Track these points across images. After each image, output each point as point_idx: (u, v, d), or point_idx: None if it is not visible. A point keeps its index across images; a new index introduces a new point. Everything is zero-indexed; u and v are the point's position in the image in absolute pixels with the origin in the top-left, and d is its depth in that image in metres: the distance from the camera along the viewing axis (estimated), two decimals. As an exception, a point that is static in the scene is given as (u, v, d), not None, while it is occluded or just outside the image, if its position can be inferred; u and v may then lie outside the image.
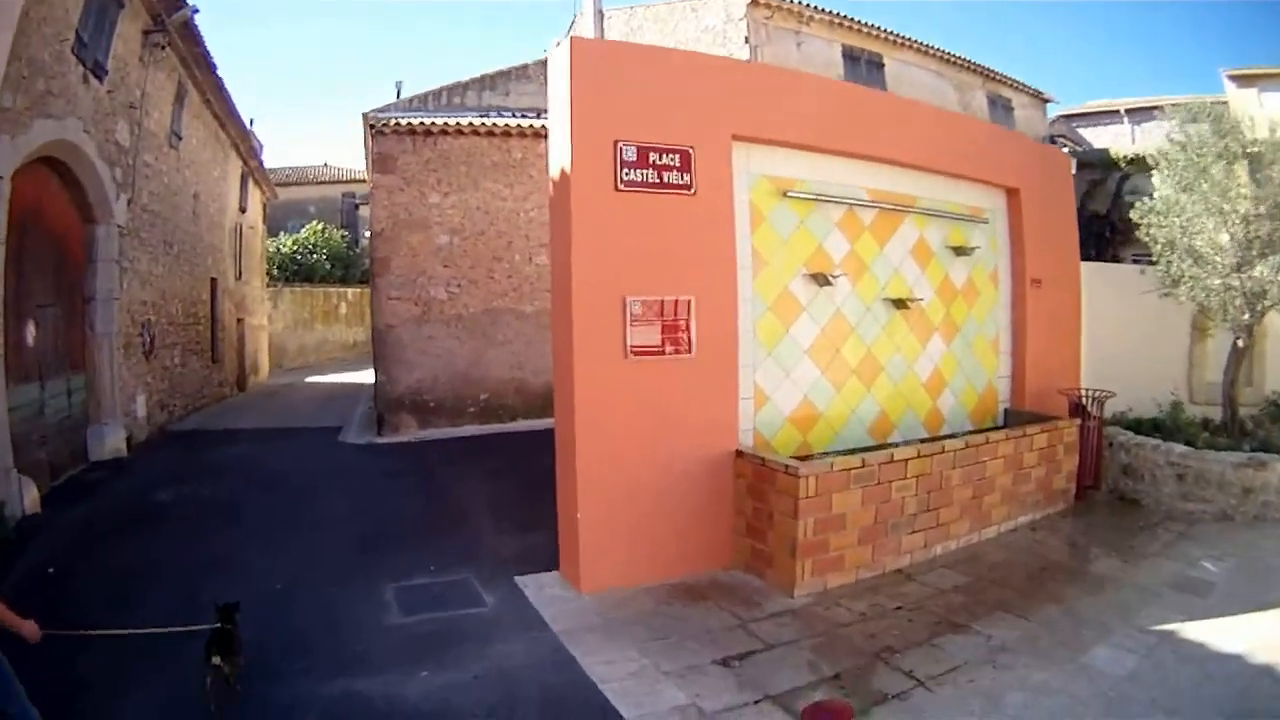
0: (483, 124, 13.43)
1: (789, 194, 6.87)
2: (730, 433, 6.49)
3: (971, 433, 8.27)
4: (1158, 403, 9.61)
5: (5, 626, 3.42)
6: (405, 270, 12.92)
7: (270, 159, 25.16)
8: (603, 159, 5.93)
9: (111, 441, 11.73)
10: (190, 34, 13.80)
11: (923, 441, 7.32)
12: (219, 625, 4.22)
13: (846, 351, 7.30)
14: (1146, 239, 9.30)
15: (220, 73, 15.03)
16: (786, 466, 5.92)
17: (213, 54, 14.46)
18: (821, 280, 7.00)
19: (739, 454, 6.45)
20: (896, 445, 7.19)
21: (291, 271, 27.46)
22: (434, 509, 8.41)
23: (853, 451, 6.72)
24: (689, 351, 6.24)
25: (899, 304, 7.59)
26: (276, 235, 27.49)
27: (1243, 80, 16.37)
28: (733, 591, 5.98)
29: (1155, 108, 21.24)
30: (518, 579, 6.18)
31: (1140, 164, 13.73)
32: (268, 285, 24.73)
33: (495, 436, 12.58)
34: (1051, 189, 9.33)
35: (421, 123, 13.14)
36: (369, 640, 5.09)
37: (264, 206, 23.31)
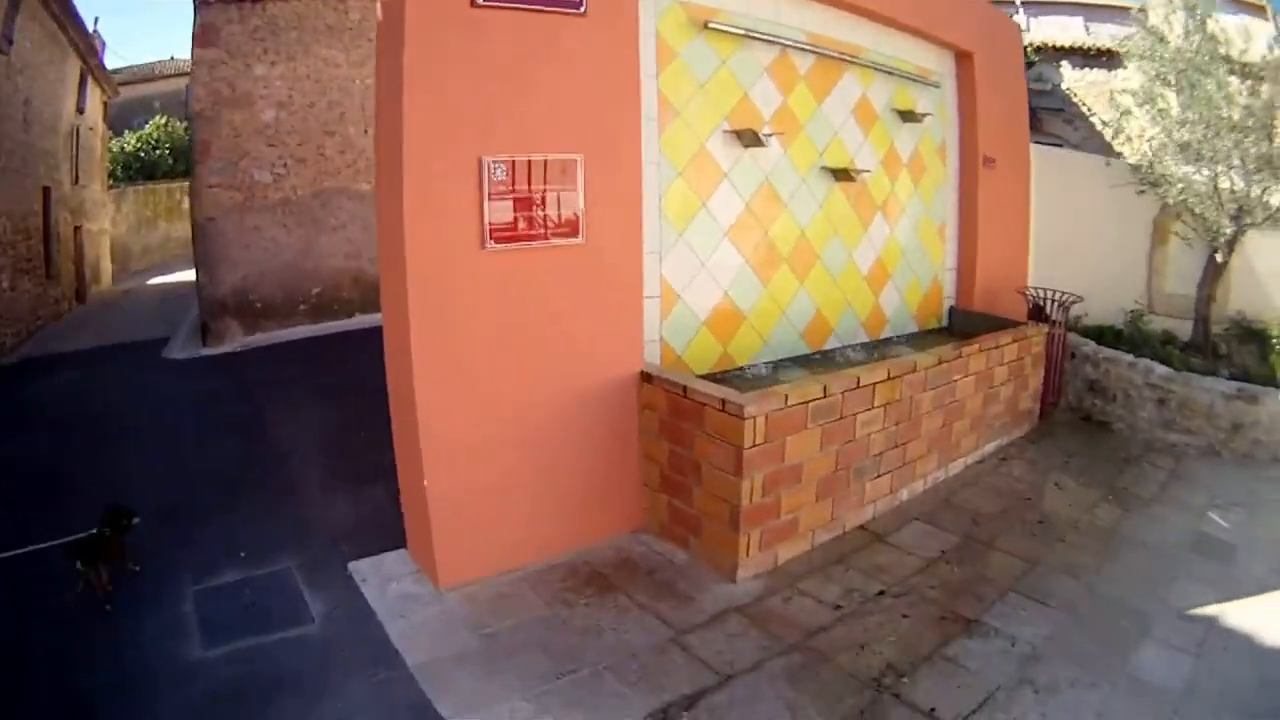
0: (316, -18, 10.97)
1: (709, 24, 4.97)
2: (633, 348, 4.76)
3: (923, 336, 6.77)
4: (1118, 310, 8.29)
5: None
6: (226, 154, 10.56)
7: (119, 58, 21.96)
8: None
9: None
10: None
11: (874, 350, 5.76)
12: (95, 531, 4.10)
13: (776, 233, 5.57)
14: (1108, 127, 7.89)
15: None
16: (724, 402, 4.19)
17: None
18: (748, 139, 5.19)
19: (646, 377, 4.72)
20: (856, 365, 5.60)
21: (135, 170, 24.39)
22: (250, 454, 6.37)
23: (781, 367, 5.08)
24: (576, 235, 4.42)
25: (839, 175, 5.86)
26: (121, 134, 24.29)
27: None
28: (651, 575, 4.34)
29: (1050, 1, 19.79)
30: (353, 566, 4.37)
31: (1046, 53, 12.39)
32: (110, 187, 21.71)
33: (330, 339, 10.60)
34: (1005, 58, 7.62)
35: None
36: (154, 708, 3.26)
37: (105, 105, 20.14)
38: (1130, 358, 7.15)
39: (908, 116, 6.43)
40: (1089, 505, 5.40)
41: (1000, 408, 6.29)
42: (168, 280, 20.02)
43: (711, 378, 4.93)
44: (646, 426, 4.74)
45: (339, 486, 5.51)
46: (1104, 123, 8.51)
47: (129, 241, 23.30)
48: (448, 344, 4.08)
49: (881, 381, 4.94)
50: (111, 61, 22.40)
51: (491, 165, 4.11)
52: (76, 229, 16.96)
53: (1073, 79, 12.16)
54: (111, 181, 22.16)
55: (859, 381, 4.80)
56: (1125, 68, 9.11)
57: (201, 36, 10.48)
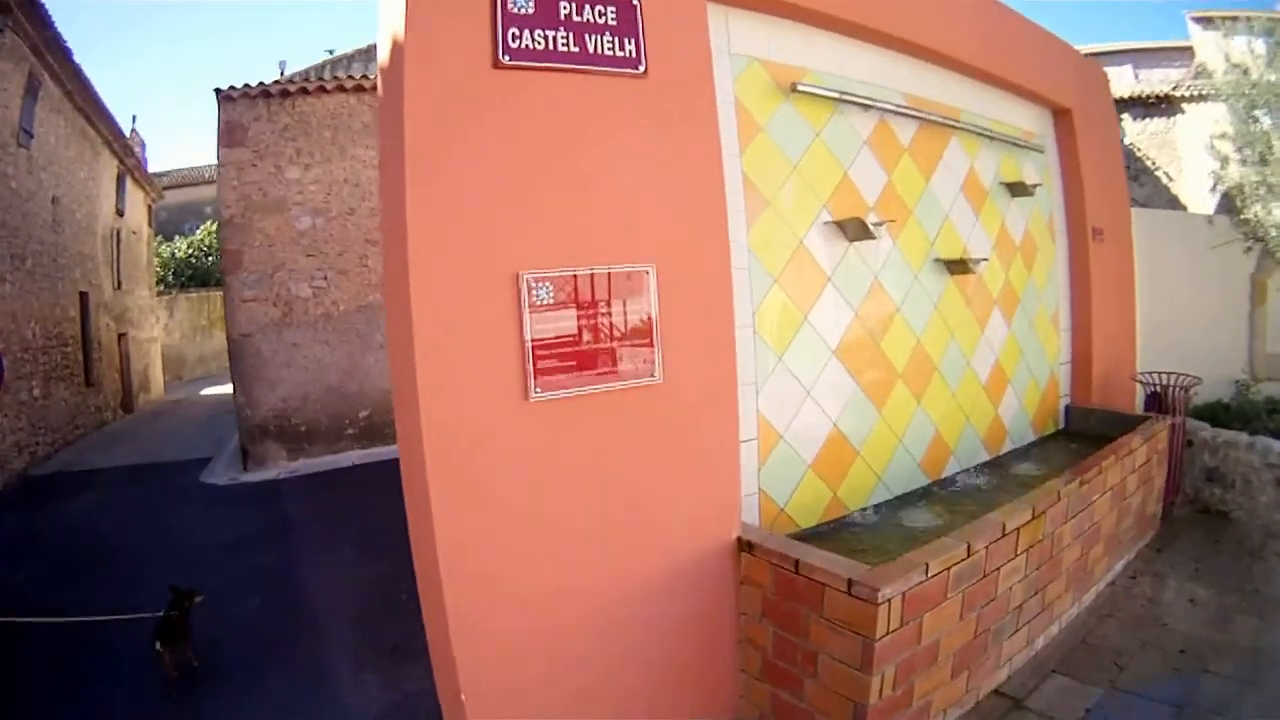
0: (349, 78, 9.90)
1: (798, 87, 3.72)
2: (726, 508, 3.35)
3: (1043, 444, 5.35)
4: (1224, 381, 6.93)
5: None
6: (260, 264, 9.39)
7: (164, 161, 21.21)
8: (468, 10, 2.74)
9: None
10: (37, 15, 10.06)
11: (995, 471, 4.37)
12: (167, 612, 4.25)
13: (890, 344, 4.21)
14: (1216, 178, 6.64)
15: (79, 60, 11.52)
16: (851, 582, 2.81)
17: (68, 39, 10.94)
18: (855, 230, 3.87)
19: (745, 546, 3.32)
20: (980, 494, 4.20)
21: (188, 277, 23.40)
22: (275, 616, 5.03)
23: (901, 505, 3.71)
24: (650, 373, 3.09)
25: (954, 267, 4.53)
26: (171, 239, 23.36)
27: (1206, 22, 13.78)
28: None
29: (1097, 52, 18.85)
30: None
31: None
32: (160, 293, 20.65)
33: (380, 466, 8.99)
34: (1101, 112, 6.39)
35: (276, 82, 9.62)
36: None
37: (149, 209, 19.14)
38: (1247, 438, 5.86)
39: (1017, 189, 5.15)
40: (1226, 619, 4.27)
41: (1130, 519, 4.85)
42: (222, 391, 18.71)
43: (820, 533, 3.59)
44: (747, 605, 3.32)
45: (373, 662, 4.24)
46: (1168, 176, 7.29)
47: (183, 350, 22.28)
48: (482, 524, 2.75)
49: (1025, 524, 3.55)
50: (157, 165, 21.75)
51: (533, 284, 2.81)
52: (121, 336, 15.93)
53: (1134, 132, 10.97)
54: (162, 288, 21.28)
55: (1004, 529, 3.40)
56: (1184, 112, 7.98)
57: (226, 135, 9.46)
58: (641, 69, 3.08)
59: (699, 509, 3.28)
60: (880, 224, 3.93)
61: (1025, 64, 5.27)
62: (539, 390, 2.85)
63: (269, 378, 9.43)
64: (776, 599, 3.18)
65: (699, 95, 3.28)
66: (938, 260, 4.46)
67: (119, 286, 16.01)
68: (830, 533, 3.86)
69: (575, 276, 2.91)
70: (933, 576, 2.99)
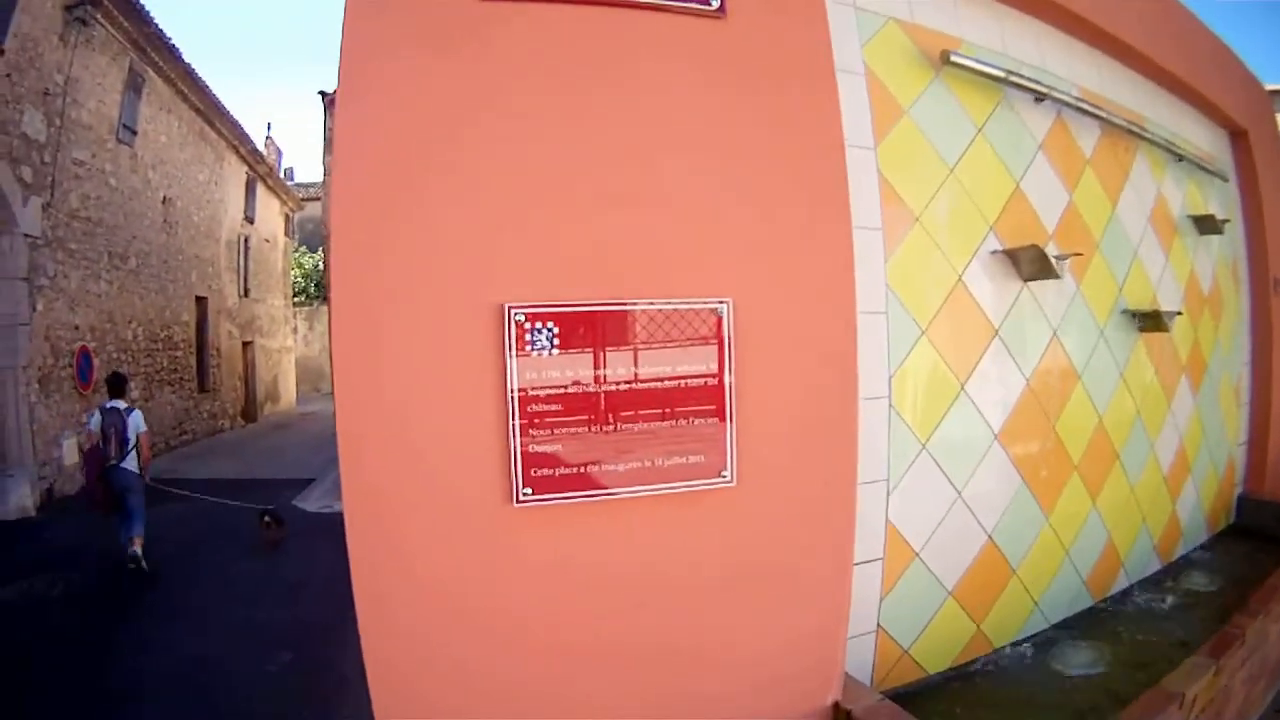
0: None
1: (952, 59, 2.28)
2: (824, 661, 1.87)
3: (1215, 546, 3.66)
4: None
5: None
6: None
7: (314, 172, 20.72)
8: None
9: (15, 498, 7.55)
10: (133, 10, 9.51)
11: (1168, 584, 2.77)
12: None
13: (1067, 424, 2.62)
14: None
15: (189, 58, 10.73)
16: None
17: (173, 35, 10.22)
18: (1032, 264, 2.34)
19: (845, 718, 1.85)
20: (1152, 620, 2.64)
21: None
22: (295, 687, 3.69)
23: (1057, 639, 2.21)
24: (718, 472, 1.68)
25: (1145, 321, 2.93)
26: (316, 251, 22.75)
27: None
28: None
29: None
30: None
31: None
32: (299, 304, 20.03)
33: None
34: (1272, 139, 4.65)
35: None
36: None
37: (287, 218, 18.26)
38: None
39: (1205, 224, 3.50)
40: None
41: None
42: (354, 406, 18.16)
43: (951, 680, 2.21)
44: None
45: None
46: None
47: (323, 362, 21.13)
48: (450, 685, 1.44)
49: (1205, 682, 2.00)
50: (307, 175, 21.24)
51: (528, 323, 1.48)
52: (246, 344, 15.25)
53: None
54: (302, 299, 20.72)
55: (1183, 700, 1.89)
56: None
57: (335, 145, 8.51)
58: (715, 4, 1.71)
59: (779, 664, 1.83)
60: (1064, 258, 2.40)
61: (1205, 70, 3.66)
62: (529, 491, 1.49)
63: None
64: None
65: (810, 53, 1.88)
66: (1126, 312, 2.88)
67: (245, 294, 15.12)
68: (964, 680, 2.35)
69: (607, 312, 1.55)
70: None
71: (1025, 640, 2.62)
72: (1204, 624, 2.73)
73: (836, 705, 1.90)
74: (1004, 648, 2.56)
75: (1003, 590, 2.52)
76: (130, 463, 5.58)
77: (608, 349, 1.61)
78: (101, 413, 5.63)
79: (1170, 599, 3.07)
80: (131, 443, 5.61)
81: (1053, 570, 2.69)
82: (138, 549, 5.38)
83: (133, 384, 9.56)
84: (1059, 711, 2.18)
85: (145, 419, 5.93)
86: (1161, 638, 2.69)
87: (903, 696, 2.21)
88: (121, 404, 5.72)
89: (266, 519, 6.18)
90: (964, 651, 2.45)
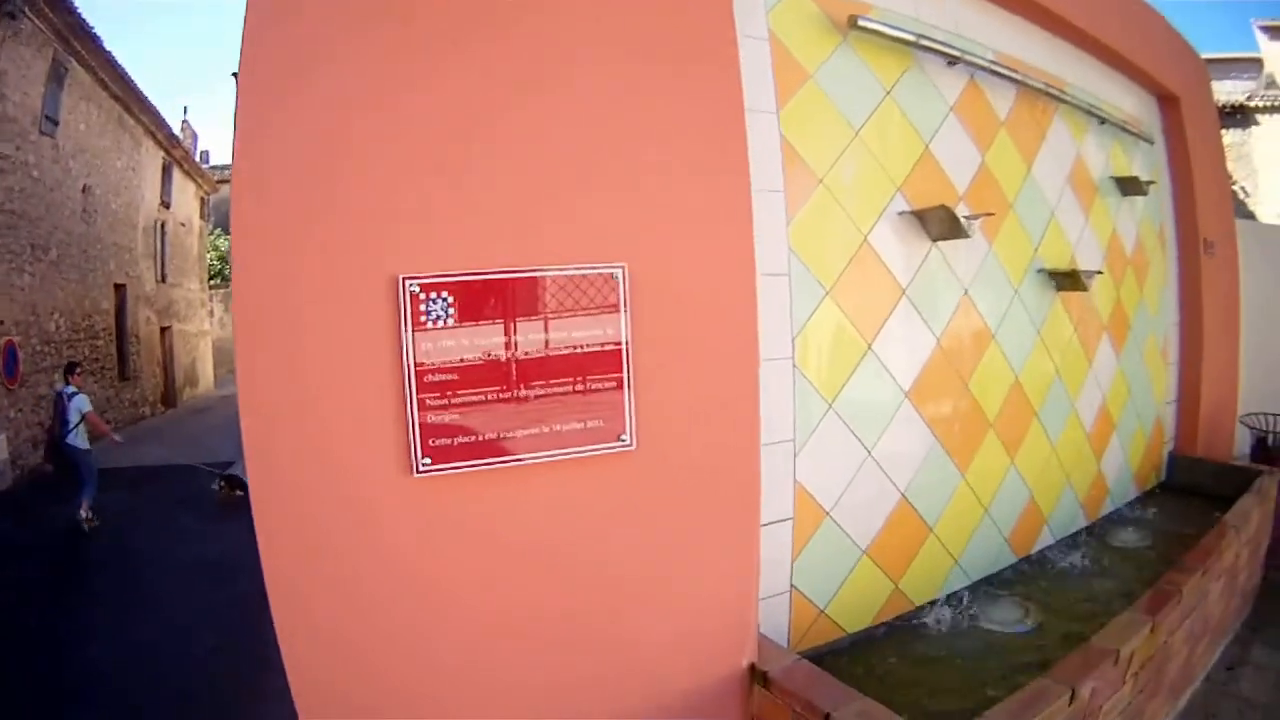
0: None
1: (859, 23, 2.28)
2: (736, 625, 1.91)
3: (1144, 502, 3.76)
4: None
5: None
6: None
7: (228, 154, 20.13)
8: None
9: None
10: (60, 1, 9.18)
11: (1093, 541, 2.85)
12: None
13: (981, 383, 2.68)
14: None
15: (110, 46, 10.33)
16: None
17: (94, 24, 9.82)
18: (940, 224, 2.37)
19: (760, 680, 1.88)
20: (1079, 578, 2.70)
21: None
22: (237, 671, 3.72)
23: (979, 596, 2.25)
24: (616, 437, 1.70)
25: (1062, 280, 2.99)
26: (229, 234, 22.28)
27: (1275, 32, 11.69)
28: None
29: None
30: None
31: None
32: (214, 287, 19.34)
33: None
34: (1205, 105, 4.72)
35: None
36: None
37: (203, 201, 17.70)
38: None
39: (1129, 185, 3.56)
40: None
41: (1237, 600, 3.24)
42: (276, 386, 17.79)
43: (873, 640, 2.26)
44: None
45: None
46: (1244, 190, 5.60)
47: None
48: (364, 675, 1.45)
49: (1141, 643, 2.07)
50: (221, 157, 20.68)
51: (424, 294, 1.47)
52: (164, 330, 14.84)
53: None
54: (218, 281, 20.20)
55: (1118, 656, 1.94)
56: (1259, 124, 6.25)
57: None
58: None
59: (691, 626, 1.86)
60: (974, 219, 2.43)
61: (1134, 37, 3.70)
62: (427, 460, 1.49)
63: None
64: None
65: (711, 20, 1.87)
66: (1042, 271, 2.93)
67: (163, 279, 14.67)
68: (886, 640, 2.41)
69: (503, 280, 1.54)
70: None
71: (948, 598, 2.69)
72: (1138, 581, 2.80)
73: (752, 667, 1.94)
74: (925, 606, 2.62)
75: (920, 548, 2.58)
76: (76, 439, 6.25)
77: (506, 318, 1.61)
78: (55, 396, 6.55)
79: (1099, 556, 3.16)
80: (73, 422, 6.25)
81: (972, 528, 2.76)
82: (86, 512, 6.18)
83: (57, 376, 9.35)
84: (986, 667, 2.23)
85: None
86: (1091, 595, 2.75)
87: (821, 656, 2.26)
88: (70, 388, 6.40)
89: (222, 483, 6.81)
90: (883, 610, 2.50)
